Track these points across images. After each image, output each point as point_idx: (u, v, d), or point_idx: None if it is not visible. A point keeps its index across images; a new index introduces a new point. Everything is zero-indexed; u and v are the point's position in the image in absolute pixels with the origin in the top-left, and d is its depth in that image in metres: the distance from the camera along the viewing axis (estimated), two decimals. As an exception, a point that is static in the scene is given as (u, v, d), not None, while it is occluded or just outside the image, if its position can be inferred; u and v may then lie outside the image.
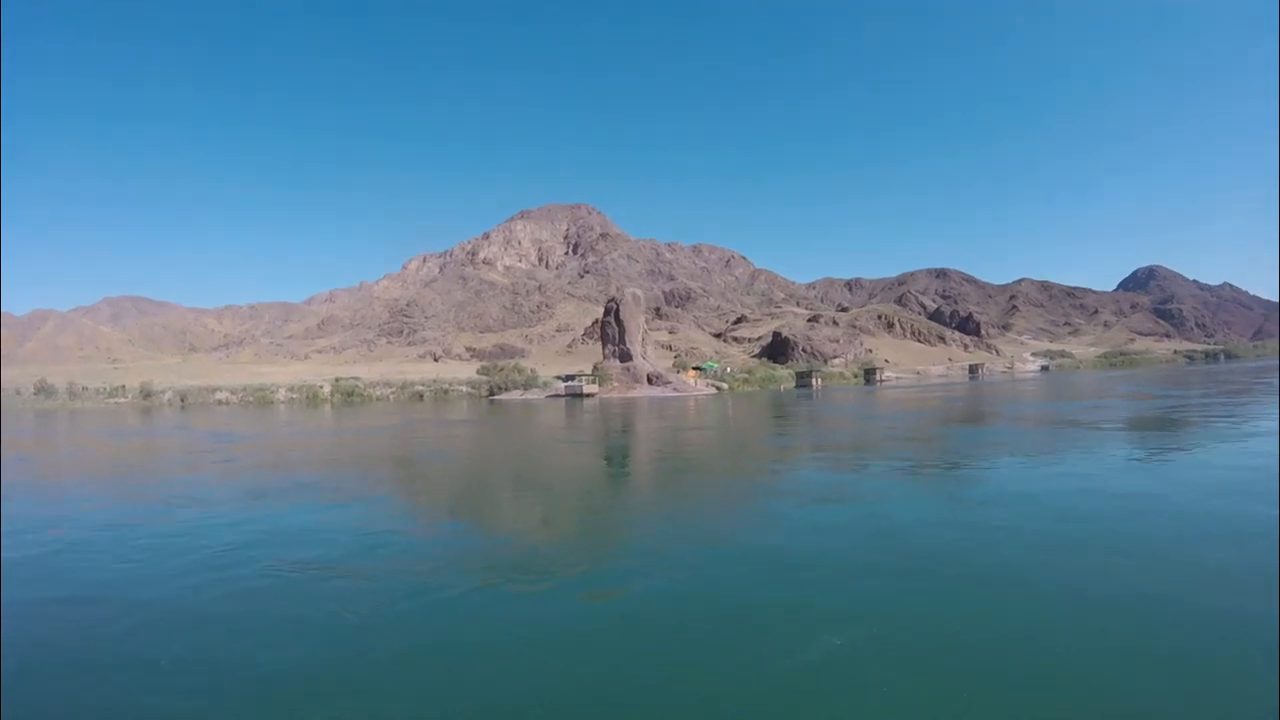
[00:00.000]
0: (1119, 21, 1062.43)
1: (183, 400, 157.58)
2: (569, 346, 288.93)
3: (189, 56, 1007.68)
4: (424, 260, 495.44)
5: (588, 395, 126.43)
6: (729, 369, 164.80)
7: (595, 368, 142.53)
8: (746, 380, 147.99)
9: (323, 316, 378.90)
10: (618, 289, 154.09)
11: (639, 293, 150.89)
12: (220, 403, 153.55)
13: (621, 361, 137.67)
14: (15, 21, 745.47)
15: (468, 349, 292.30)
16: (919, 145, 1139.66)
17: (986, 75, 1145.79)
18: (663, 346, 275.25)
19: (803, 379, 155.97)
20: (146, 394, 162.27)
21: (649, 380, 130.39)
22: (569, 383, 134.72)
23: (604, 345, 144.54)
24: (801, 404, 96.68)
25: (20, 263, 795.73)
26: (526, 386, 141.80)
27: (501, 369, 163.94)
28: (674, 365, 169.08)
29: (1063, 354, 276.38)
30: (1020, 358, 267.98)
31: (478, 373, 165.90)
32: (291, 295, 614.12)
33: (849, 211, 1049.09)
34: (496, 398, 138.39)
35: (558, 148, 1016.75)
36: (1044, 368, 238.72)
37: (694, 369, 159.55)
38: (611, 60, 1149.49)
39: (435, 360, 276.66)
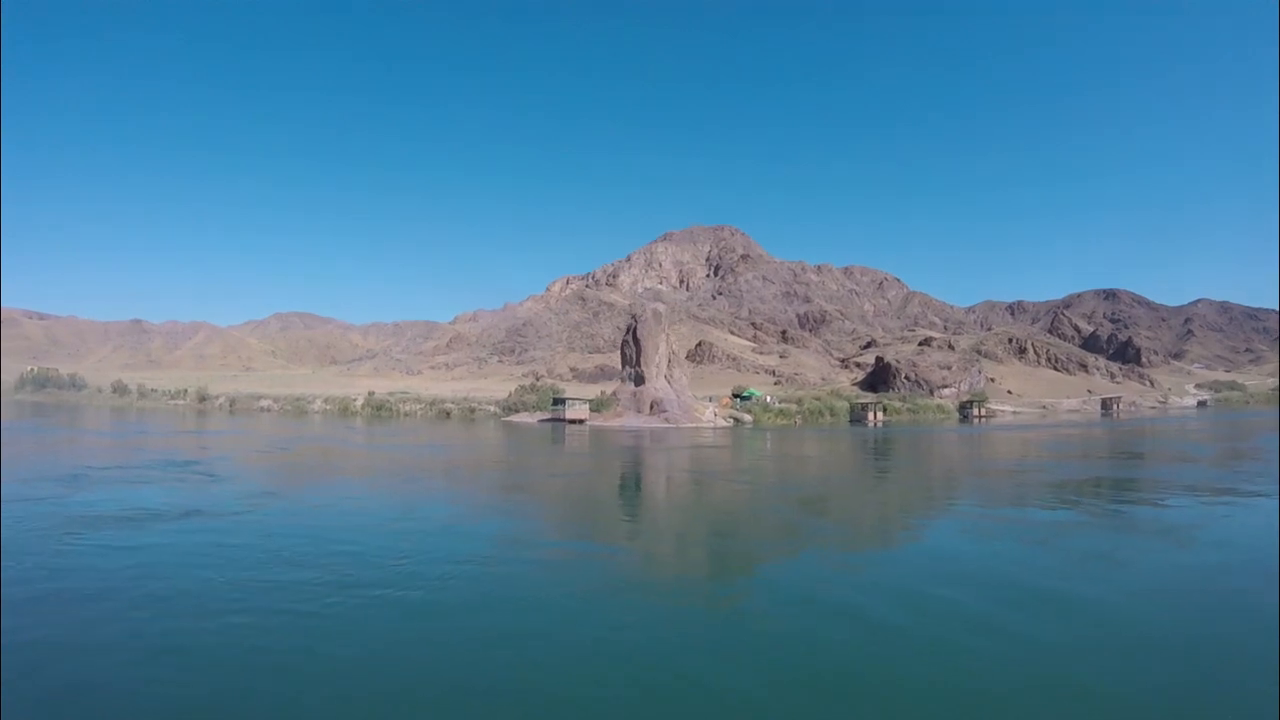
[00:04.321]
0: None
1: (232, 405, 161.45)
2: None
3: (368, 86, 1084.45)
4: (567, 282, 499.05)
5: (572, 421, 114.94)
6: (770, 398, 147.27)
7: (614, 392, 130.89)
8: (783, 413, 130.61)
9: (453, 335, 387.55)
10: (639, 305, 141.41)
11: (661, 309, 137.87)
12: (264, 410, 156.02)
13: (636, 385, 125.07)
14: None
15: (571, 369, 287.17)
16: (1086, 156, 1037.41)
17: (1153, 86, 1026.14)
18: (766, 371, 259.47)
19: (858, 413, 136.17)
20: (202, 398, 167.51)
21: (651, 408, 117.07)
22: (555, 407, 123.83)
23: (622, 367, 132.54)
24: (792, 448, 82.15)
25: (201, 277, 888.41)
26: (537, 408, 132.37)
27: (530, 389, 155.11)
28: (731, 393, 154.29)
29: (1232, 386, 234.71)
30: (1180, 390, 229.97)
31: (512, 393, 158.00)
32: (446, 314, 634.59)
33: (1014, 231, 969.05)
34: (507, 419, 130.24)
35: (711, 169, 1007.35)
36: (1202, 403, 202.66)
37: (731, 396, 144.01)
38: (767, 81, 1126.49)
39: (537, 379, 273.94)
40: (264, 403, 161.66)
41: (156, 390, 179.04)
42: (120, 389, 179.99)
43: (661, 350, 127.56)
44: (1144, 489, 46.32)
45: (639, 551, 29.13)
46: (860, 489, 48.25)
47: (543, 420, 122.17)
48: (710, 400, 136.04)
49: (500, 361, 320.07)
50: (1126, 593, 21.76)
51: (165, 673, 15.50)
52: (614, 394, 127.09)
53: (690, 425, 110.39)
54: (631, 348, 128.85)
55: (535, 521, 35.95)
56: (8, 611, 18.83)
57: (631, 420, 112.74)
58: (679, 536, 32.52)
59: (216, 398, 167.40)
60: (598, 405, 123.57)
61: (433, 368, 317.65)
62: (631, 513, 39.69)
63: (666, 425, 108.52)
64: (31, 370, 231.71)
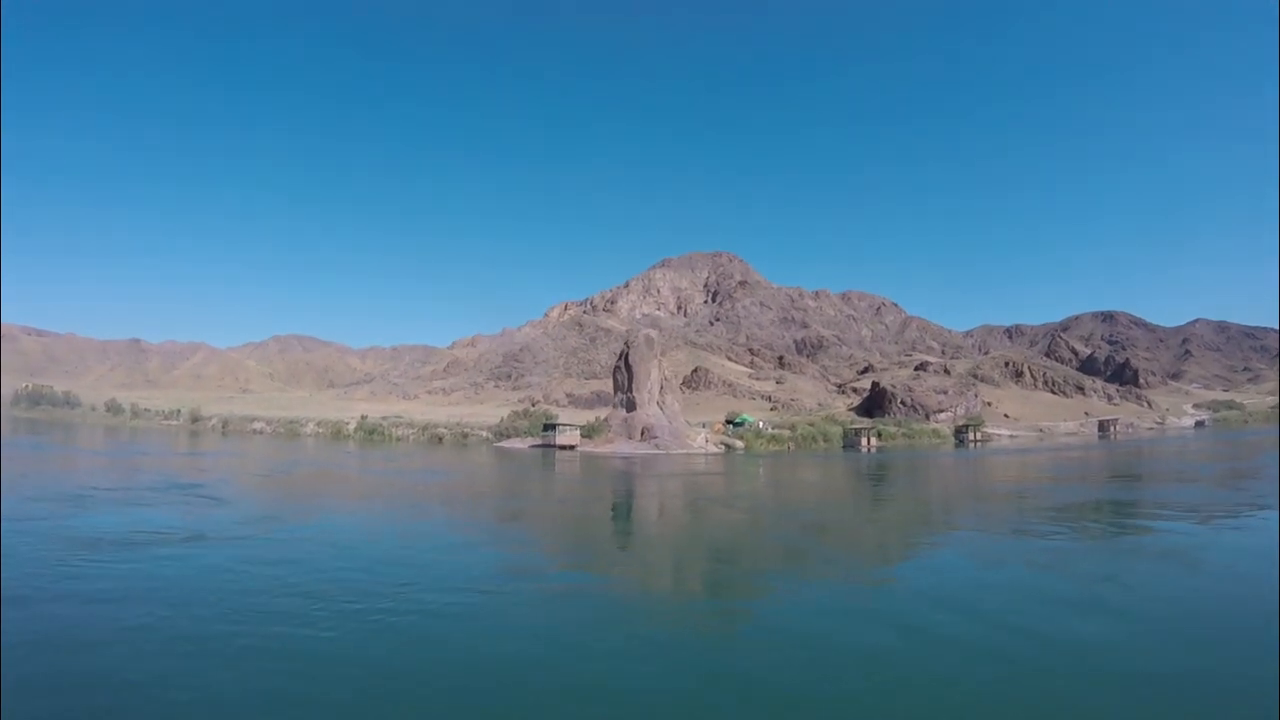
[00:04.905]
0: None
1: (224, 426, 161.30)
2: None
3: (370, 111, 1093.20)
4: (565, 307, 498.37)
5: (563, 447, 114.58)
6: (762, 423, 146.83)
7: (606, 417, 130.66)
8: (775, 439, 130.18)
9: (450, 360, 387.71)
10: (633, 332, 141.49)
11: (653, 335, 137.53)
12: (256, 432, 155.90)
13: (628, 411, 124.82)
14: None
15: (568, 395, 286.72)
16: (1085, 179, 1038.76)
17: (1150, 107, 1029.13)
18: (762, 397, 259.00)
19: (851, 439, 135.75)
20: (195, 419, 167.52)
21: (642, 434, 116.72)
22: (545, 433, 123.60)
23: (614, 393, 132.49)
24: (783, 475, 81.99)
25: (202, 298, 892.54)
26: (529, 434, 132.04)
27: (523, 415, 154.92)
28: (724, 419, 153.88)
29: (1230, 405, 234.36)
30: (1178, 410, 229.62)
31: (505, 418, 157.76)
32: (445, 339, 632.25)
33: (1012, 255, 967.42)
34: (499, 444, 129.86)
35: (709, 196, 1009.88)
36: (1200, 423, 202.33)
37: (724, 423, 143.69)
38: (766, 108, 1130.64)
39: (533, 405, 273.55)
40: (257, 425, 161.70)
41: (150, 410, 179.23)
42: (114, 408, 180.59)
43: (654, 376, 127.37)
44: (1146, 510, 46.68)
45: (635, 582, 29.06)
46: (856, 517, 47.99)
47: (533, 446, 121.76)
48: (703, 426, 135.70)
49: (497, 386, 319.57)
50: (1140, 604, 23.12)
51: (167, 675, 16.37)
52: (605, 420, 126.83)
53: (681, 452, 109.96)
54: (624, 373, 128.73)
55: (532, 551, 36.14)
56: (11, 620, 19.74)
57: (622, 446, 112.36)
58: (672, 569, 32.45)
59: (209, 419, 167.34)
60: (589, 431, 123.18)
61: (429, 392, 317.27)
62: (622, 544, 39.62)
63: (656, 451, 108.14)
64: (26, 387, 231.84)
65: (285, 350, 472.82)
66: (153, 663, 16.89)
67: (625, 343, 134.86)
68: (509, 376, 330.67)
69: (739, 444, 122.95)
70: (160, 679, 15.96)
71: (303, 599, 22.42)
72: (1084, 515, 43.76)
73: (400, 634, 19.19)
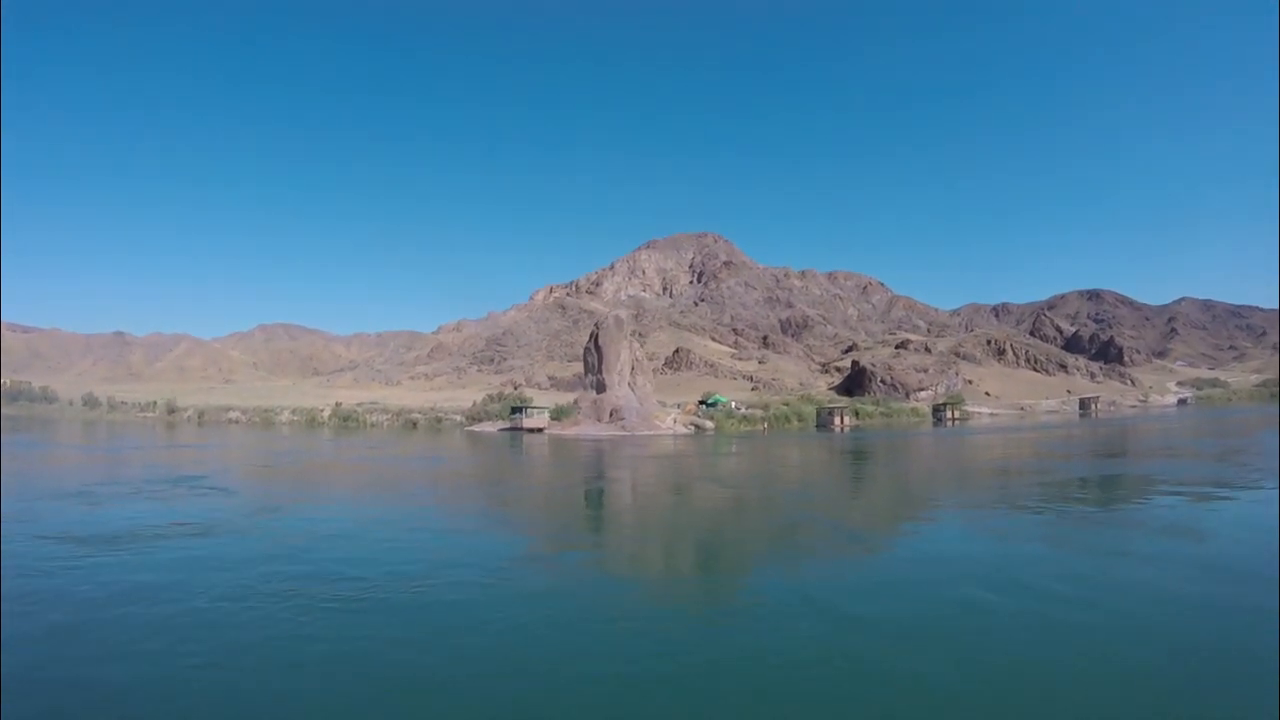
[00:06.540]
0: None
1: (200, 417, 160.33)
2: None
3: (358, 103, 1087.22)
4: (550, 291, 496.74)
5: (531, 430, 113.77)
6: (735, 403, 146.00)
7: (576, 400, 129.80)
8: (746, 419, 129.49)
9: (434, 345, 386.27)
10: (604, 313, 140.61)
11: (623, 316, 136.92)
12: (232, 421, 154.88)
13: (598, 392, 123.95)
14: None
15: (549, 378, 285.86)
16: (1073, 157, 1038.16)
17: (1139, 90, 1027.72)
18: (744, 377, 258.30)
19: (824, 418, 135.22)
20: (171, 410, 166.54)
21: (610, 415, 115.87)
22: (513, 416, 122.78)
23: (585, 374, 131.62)
24: (748, 457, 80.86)
25: (187, 289, 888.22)
26: (500, 418, 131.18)
27: (496, 398, 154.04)
28: (698, 397, 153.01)
29: (1214, 383, 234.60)
30: (1161, 388, 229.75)
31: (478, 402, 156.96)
32: (432, 324, 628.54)
33: (1000, 234, 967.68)
34: (470, 428, 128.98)
35: (696, 176, 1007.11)
36: (1183, 401, 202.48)
37: (697, 403, 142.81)
38: (753, 88, 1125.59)
39: (515, 388, 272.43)
40: (232, 414, 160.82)
41: (127, 403, 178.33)
42: (91, 402, 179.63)
43: (624, 357, 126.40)
44: (1141, 486, 46.62)
45: (625, 564, 28.76)
46: (842, 500, 46.49)
47: (502, 429, 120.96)
48: (676, 407, 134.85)
49: (480, 371, 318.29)
50: (1154, 578, 23.48)
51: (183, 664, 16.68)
52: (575, 402, 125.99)
53: (647, 433, 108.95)
54: (594, 355, 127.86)
55: (531, 536, 35.73)
56: (22, 620, 19.83)
57: (589, 428, 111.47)
58: (659, 561, 31.33)
59: (185, 410, 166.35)
60: (558, 413, 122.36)
61: (412, 378, 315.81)
62: (602, 528, 38.82)
63: (623, 433, 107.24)
64: (5, 383, 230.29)
65: (270, 339, 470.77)
66: (161, 653, 17.20)
67: (596, 324, 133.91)
68: (492, 360, 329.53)
69: (709, 425, 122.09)
70: (177, 669, 16.31)
71: (322, 586, 23.09)
72: (1076, 492, 43.77)
73: (417, 620, 19.76)
